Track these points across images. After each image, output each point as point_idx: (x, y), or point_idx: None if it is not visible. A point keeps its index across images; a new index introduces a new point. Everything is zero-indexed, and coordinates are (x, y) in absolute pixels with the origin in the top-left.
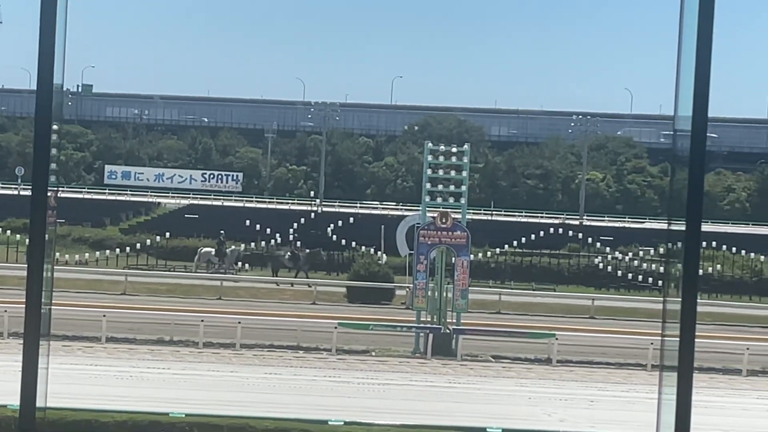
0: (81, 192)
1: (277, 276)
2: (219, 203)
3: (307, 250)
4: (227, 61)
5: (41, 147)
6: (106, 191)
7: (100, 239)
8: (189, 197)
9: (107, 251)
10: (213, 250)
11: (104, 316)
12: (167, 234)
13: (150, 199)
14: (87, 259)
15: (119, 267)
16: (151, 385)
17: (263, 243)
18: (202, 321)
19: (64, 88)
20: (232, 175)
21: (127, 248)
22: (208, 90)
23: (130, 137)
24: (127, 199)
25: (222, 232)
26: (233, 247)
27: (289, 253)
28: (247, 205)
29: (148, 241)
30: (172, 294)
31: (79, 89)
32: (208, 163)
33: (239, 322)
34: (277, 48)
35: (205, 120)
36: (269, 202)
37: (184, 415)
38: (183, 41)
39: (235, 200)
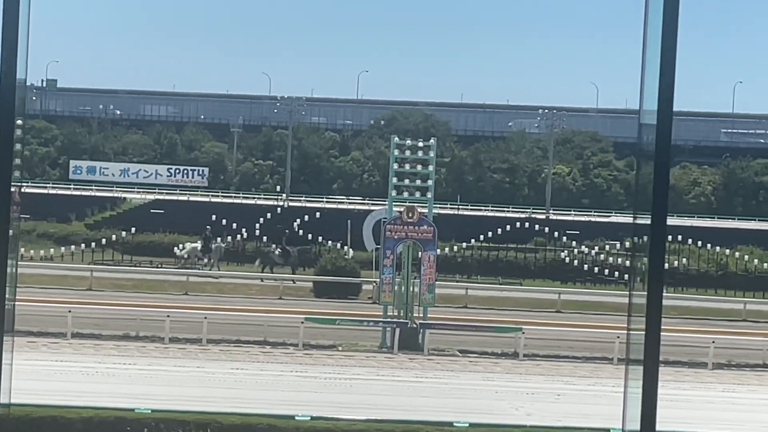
0: (46, 187)
1: (272, 272)
2: (185, 198)
3: (298, 247)
4: (192, 55)
5: (5, 142)
6: (71, 186)
7: (66, 234)
8: (154, 192)
9: (72, 247)
10: (199, 245)
11: (70, 311)
12: (133, 229)
13: (115, 194)
14: (52, 255)
15: (85, 262)
16: (117, 381)
17: (229, 238)
18: (168, 316)
19: (28, 83)
20: (198, 170)
21: (93, 243)
22: (173, 84)
23: (95, 132)
24: (93, 194)
25: (208, 227)
26: (218, 242)
27: (279, 250)
28: (213, 200)
29: (114, 237)
30: (137, 289)
31: (44, 84)
32: (173, 158)
33: (205, 318)
34: (243, 42)
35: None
36: (235, 196)
37: (150, 411)
38: (148, 36)
39: (201, 195)
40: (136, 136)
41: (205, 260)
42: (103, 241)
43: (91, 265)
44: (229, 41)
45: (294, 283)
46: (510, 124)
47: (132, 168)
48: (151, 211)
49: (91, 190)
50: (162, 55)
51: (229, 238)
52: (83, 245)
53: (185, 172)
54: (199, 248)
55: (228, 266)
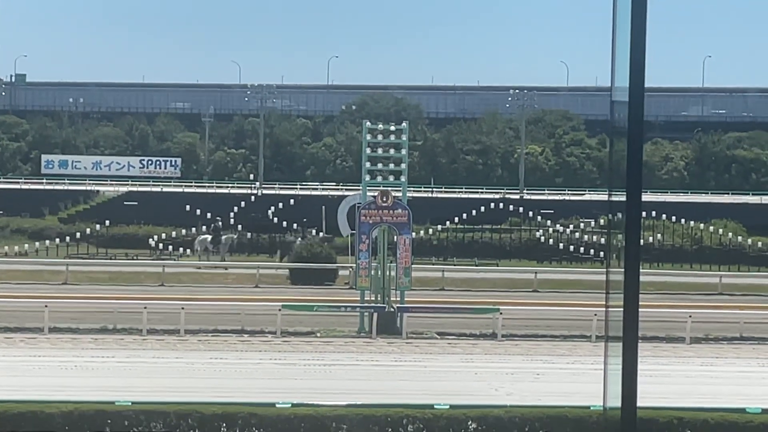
0: (18, 182)
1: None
2: (158, 189)
3: (321, 235)
4: (161, 46)
5: None
6: (44, 181)
7: (39, 229)
8: (127, 184)
9: (47, 241)
10: (209, 237)
11: (46, 306)
12: (107, 222)
13: (88, 188)
14: (26, 250)
15: (59, 257)
16: (96, 375)
17: (204, 228)
18: (145, 308)
19: None
20: (171, 161)
21: (67, 237)
22: (143, 76)
23: (66, 126)
24: (65, 188)
25: (219, 219)
26: (229, 234)
27: (300, 239)
28: (187, 190)
29: (88, 230)
30: (114, 282)
31: (12, 79)
32: (145, 150)
33: (182, 308)
34: (211, 31)
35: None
36: (208, 186)
37: (130, 403)
38: (117, 28)
39: (174, 186)
40: (107, 128)
41: (213, 252)
42: (78, 234)
43: (66, 260)
44: (197, 31)
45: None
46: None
47: (104, 161)
48: (125, 203)
49: (64, 184)
50: (131, 46)
51: (204, 228)
52: (57, 240)
53: (158, 163)
54: (209, 240)
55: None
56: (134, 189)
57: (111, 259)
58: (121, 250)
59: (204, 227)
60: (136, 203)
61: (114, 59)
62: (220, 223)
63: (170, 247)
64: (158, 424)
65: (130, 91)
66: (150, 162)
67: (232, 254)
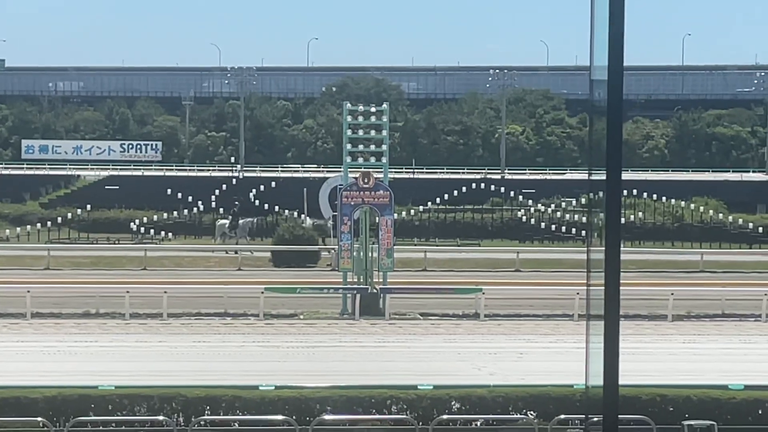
0: None
1: (325, 244)
2: (139, 173)
3: (250, 219)
4: (140, 29)
5: None
6: (24, 166)
7: (21, 215)
8: (108, 168)
9: (28, 226)
10: (227, 221)
11: (28, 291)
12: (88, 206)
13: (69, 172)
14: (8, 236)
15: (41, 242)
16: (79, 359)
17: (185, 211)
18: (128, 292)
19: None
20: (151, 145)
21: (49, 222)
22: (122, 60)
23: (46, 110)
24: (46, 173)
25: (237, 203)
26: (246, 219)
27: (332, 222)
28: (168, 173)
29: (69, 215)
30: (96, 266)
31: None
32: (126, 134)
33: (165, 292)
34: (191, 14)
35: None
36: (190, 169)
37: (114, 388)
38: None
39: (156, 169)
40: (88, 112)
41: (230, 236)
42: (59, 219)
43: (47, 245)
44: (177, 14)
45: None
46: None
47: (85, 145)
48: (106, 187)
49: (45, 169)
50: (110, 30)
51: (186, 211)
52: (39, 225)
53: (138, 147)
54: (227, 225)
55: (186, 239)
56: (115, 173)
57: (93, 243)
58: (102, 234)
59: (222, 210)
60: (117, 187)
61: (94, 43)
62: (236, 207)
63: (152, 231)
64: (142, 408)
65: (110, 75)
66: (131, 146)
67: (253, 238)
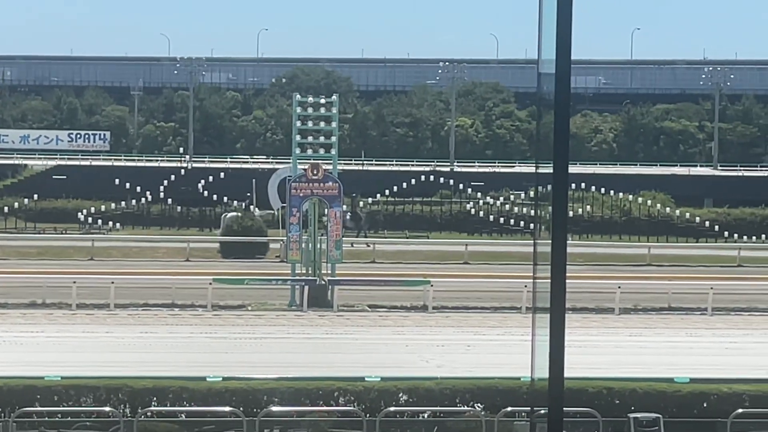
0: None
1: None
2: (87, 163)
3: (366, 211)
4: (89, 19)
5: None
6: None
7: None
8: (56, 158)
9: None
10: (236, 214)
11: None
12: (35, 196)
13: (16, 162)
14: None
15: None
16: (25, 350)
17: (133, 201)
18: (75, 282)
19: None
20: (100, 134)
21: None
22: (71, 49)
23: None
24: None
25: (249, 194)
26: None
27: (350, 214)
28: (116, 163)
29: (16, 204)
30: (42, 257)
31: None
32: (74, 123)
33: (112, 282)
34: (140, 3)
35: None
36: (138, 160)
37: (60, 378)
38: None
39: (104, 159)
40: (35, 102)
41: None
42: (6, 209)
43: None
44: (126, 3)
45: (368, 246)
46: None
47: (32, 134)
48: (54, 177)
49: None
50: (58, 19)
51: (134, 201)
52: None
53: (86, 136)
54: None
55: (133, 230)
56: (63, 163)
57: (39, 233)
58: (49, 224)
59: (236, 203)
60: (64, 177)
61: (42, 32)
62: (250, 198)
63: (99, 221)
64: (88, 399)
65: (58, 65)
66: (79, 135)
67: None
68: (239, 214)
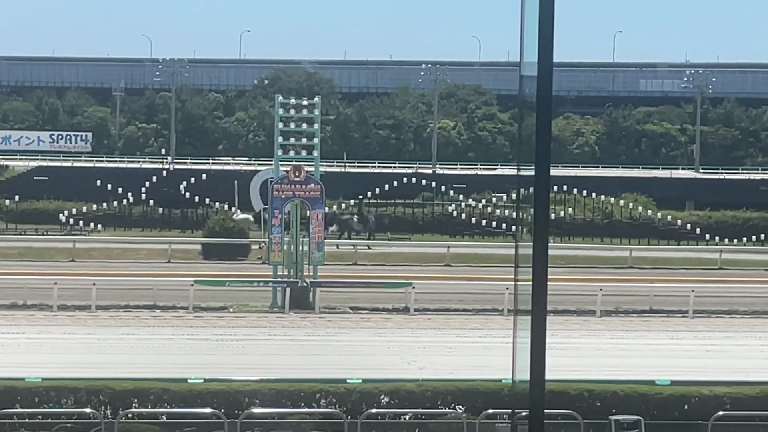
0: None
1: (350, 239)
2: (68, 164)
3: (375, 213)
4: (71, 19)
5: None
6: None
7: None
8: (37, 159)
9: None
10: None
11: None
12: (16, 197)
13: None
14: None
15: None
16: (6, 351)
17: (115, 203)
18: (56, 284)
19: None
20: (81, 135)
21: None
22: (52, 50)
23: None
24: None
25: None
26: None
27: (357, 216)
28: (98, 165)
29: None
30: (24, 258)
31: None
32: (55, 124)
33: (94, 284)
34: (122, 4)
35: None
36: (120, 161)
37: (40, 380)
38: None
39: (85, 160)
40: (17, 102)
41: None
42: None
43: None
44: (108, 4)
45: (369, 248)
46: None
47: (13, 135)
48: (35, 178)
49: None
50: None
51: (116, 202)
52: None
53: (68, 137)
54: (251, 218)
55: (115, 231)
56: (44, 164)
57: (21, 234)
58: (30, 225)
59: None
60: (46, 178)
61: (23, 33)
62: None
63: (81, 223)
64: (69, 401)
65: (40, 65)
66: (60, 137)
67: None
68: (248, 216)
